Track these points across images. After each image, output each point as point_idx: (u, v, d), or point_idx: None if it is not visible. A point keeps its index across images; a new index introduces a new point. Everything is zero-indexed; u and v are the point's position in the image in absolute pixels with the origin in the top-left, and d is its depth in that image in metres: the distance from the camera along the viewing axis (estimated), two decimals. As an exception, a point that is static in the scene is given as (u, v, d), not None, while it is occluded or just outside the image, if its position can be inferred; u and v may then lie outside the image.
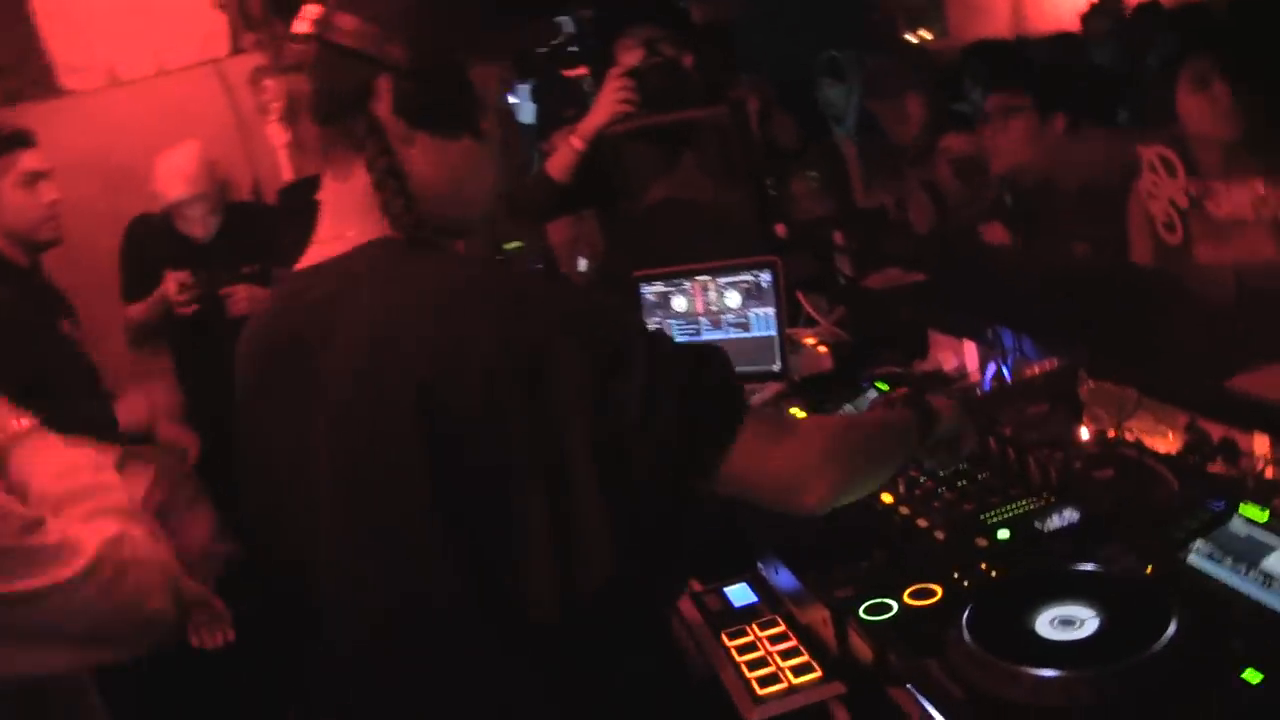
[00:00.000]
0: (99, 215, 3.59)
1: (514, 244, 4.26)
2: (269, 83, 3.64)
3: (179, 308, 3.36)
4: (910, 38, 6.67)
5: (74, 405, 2.73)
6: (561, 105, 4.01)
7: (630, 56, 2.99)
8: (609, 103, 2.85)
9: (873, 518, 1.69)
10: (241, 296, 3.39)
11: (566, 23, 3.93)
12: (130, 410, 2.93)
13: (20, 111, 3.53)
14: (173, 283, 3.36)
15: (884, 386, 2.22)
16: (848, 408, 2.21)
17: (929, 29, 6.98)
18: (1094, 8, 4.44)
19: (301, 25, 1.22)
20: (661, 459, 1.12)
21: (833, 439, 1.27)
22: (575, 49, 3.84)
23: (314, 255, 1.26)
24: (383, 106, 1.19)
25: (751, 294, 2.50)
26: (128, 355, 3.58)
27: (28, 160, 2.75)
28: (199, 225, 3.44)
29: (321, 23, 1.20)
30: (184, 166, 3.34)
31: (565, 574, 1.12)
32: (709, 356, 1.21)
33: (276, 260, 3.28)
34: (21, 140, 2.77)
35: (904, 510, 1.68)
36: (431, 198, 1.23)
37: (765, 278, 2.47)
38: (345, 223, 1.24)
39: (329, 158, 1.25)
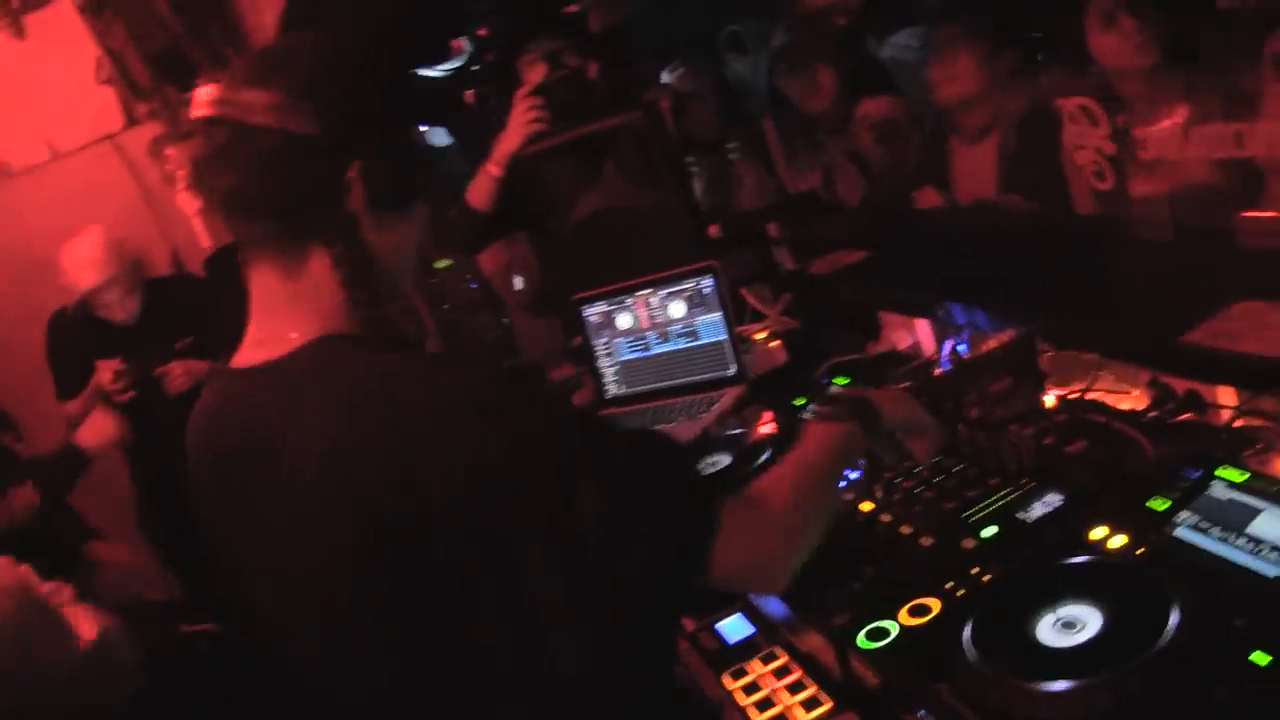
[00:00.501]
0: (12, 312, 3.49)
1: (443, 262, 4.20)
2: (170, 151, 3.53)
3: (115, 396, 3.28)
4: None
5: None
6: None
7: (534, 73, 2.93)
8: (520, 124, 2.80)
9: (856, 530, 1.66)
10: (178, 373, 3.32)
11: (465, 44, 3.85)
12: (96, 431, 2.92)
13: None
14: (106, 372, 3.28)
15: (844, 381, 2.19)
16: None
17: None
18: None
19: (201, 109, 1.14)
20: (645, 573, 1.10)
21: (793, 510, 1.24)
22: (476, 68, 3.76)
23: (252, 356, 1.20)
24: (356, 199, 1.15)
25: (695, 301, 2.46)
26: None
27: None
28: (119, 309, 3.36)
29: (228, 103, 1.13)
30: (90, 253, 3.25)
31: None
32: (670, 465, 1.17)
33: (211, 333, 3.21)
34: None
35: (886, 518, 1.65)
36: (389, 280, 1.21)
37: (706, 283, 2.44)
38: (287, 321, 1.18)
39: (272, 253, 1.18)
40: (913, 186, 3.13)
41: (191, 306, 3.43)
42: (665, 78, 3.87)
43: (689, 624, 1.74)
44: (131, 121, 3.74)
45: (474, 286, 4.10)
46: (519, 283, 3.60)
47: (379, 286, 1.18)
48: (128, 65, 3.62)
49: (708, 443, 2.10)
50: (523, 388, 1.16)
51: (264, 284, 1.20)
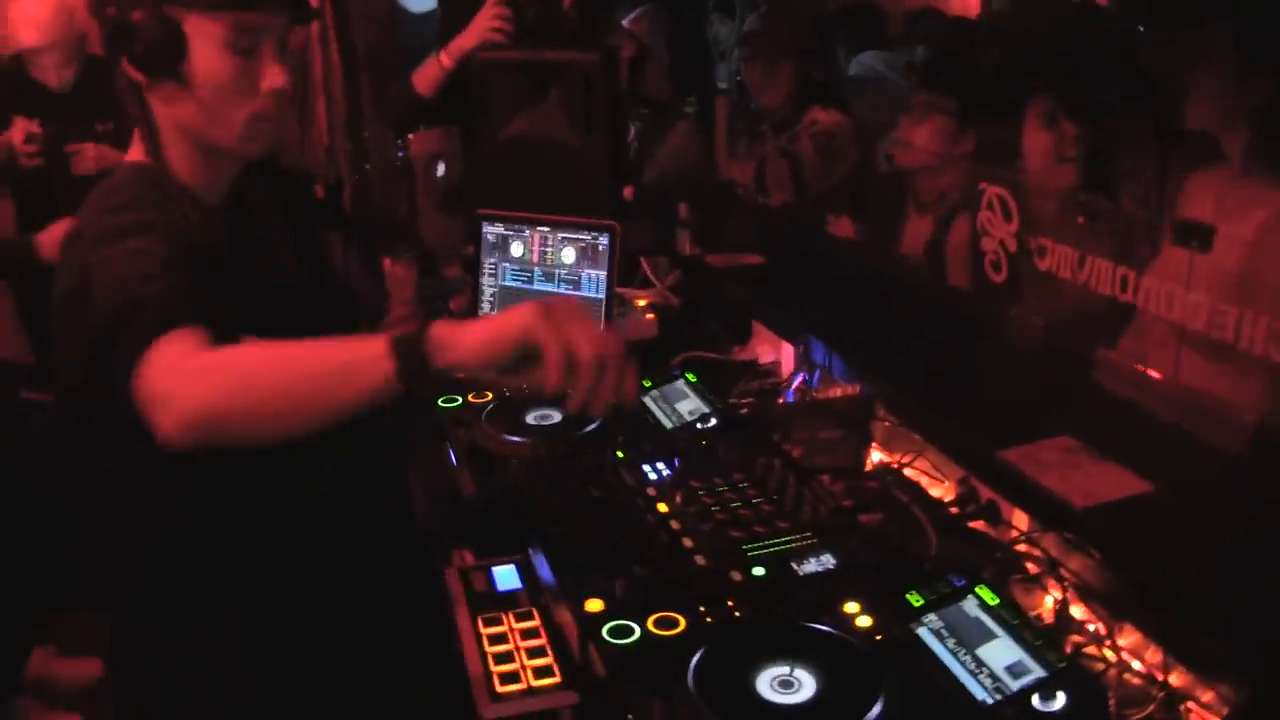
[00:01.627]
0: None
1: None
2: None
3: (24, 159, 3.18)
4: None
5: None
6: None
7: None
8: (481, 28, 2.78)
9: (644, 527, 1.71)
10: (89, 155, 3.23)
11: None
12: None
13: None
14: (20, 131, 3.18)
15: (693, 378, 2.23)
16: (654, 393, 2.22)
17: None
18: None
19: None
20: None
21: (234, 363, 1.30)
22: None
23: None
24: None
25: (587, 254, 2.47)
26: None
27: None
28: (52, 74, 3.25)
29: None
30: (39, 12, 3.12)
31: None
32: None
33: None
34: None
35: (675, 525, 1.70)
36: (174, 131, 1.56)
37: (603, 241, 2.45)
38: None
39: None
40: (831, 209, 3.18)
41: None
42: (624, 21, 3.83)
43: (469, 557, 1.78)
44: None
45: (399, 155, 4.05)
46: (440, 169, 3.58)
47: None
48: None
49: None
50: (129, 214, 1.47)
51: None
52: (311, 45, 3.86)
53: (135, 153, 1.57)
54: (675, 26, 3.89)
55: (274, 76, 1.53)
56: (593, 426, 1.97)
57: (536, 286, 2.54)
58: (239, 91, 1.51)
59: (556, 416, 2.06)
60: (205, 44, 1.47)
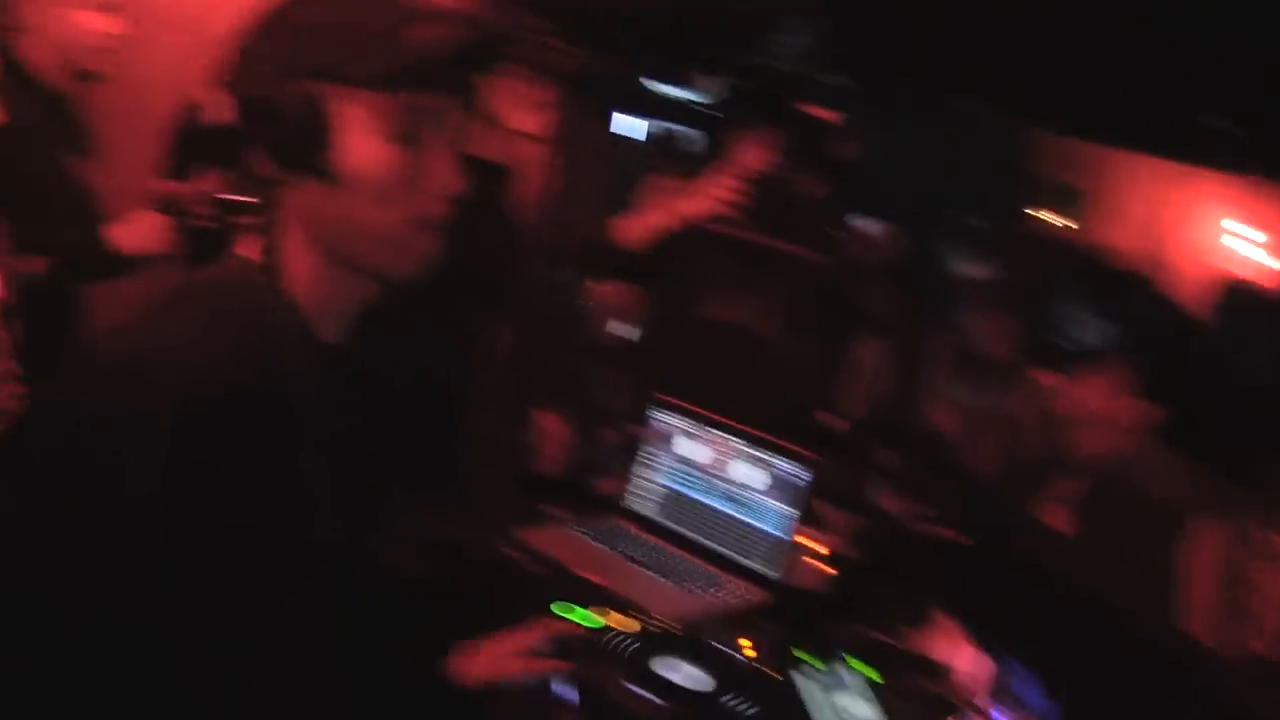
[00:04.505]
0: (172, 76, 3.31)
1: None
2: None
3: (200, 217, 3.07)
4: (1041, 214, 6.34)
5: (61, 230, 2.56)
6: (669, 157, 3.69)
7: (753, 157, 2.68)
8: (712, 197, 2.54)
9: None
10: None
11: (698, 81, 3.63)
12: (137, 232, 2.69)
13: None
14: (209, 180, 3.07)
15: (860, 666, 1.85)
16: (813, 675, 1.84)
17: (1062, 212, 6.64)
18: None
19: None
20: None
21: None
22: (717, 115, 3.52)
23: None
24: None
25: (774, 483, 2.15)
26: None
27: None
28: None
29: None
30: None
31: None
32: None
33: None
34: None
35: None
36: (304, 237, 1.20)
37: (799, 475, 2.12)
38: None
39: None
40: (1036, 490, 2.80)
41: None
42: (865, 226, 3.58)
43: None
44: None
45: (576, 301, 3.82)
46: (619, 329, 3.32)
47: None
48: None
49: (691, 640, 1.77)
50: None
51: None
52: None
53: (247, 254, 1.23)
54: (914, 248, 3.64)
55: (444, 175, 1.18)
56: (751, 711, 1.61)
57: (701, 497, 2.23)
58: (395, 190, 1.17)
59: (703, 681, 1.69)
60: (358, 129, 1.14)
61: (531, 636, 1.52)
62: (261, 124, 1.12)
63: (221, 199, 2.91)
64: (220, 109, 3.12)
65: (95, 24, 2.60)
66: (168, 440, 1.01)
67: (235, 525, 1.05)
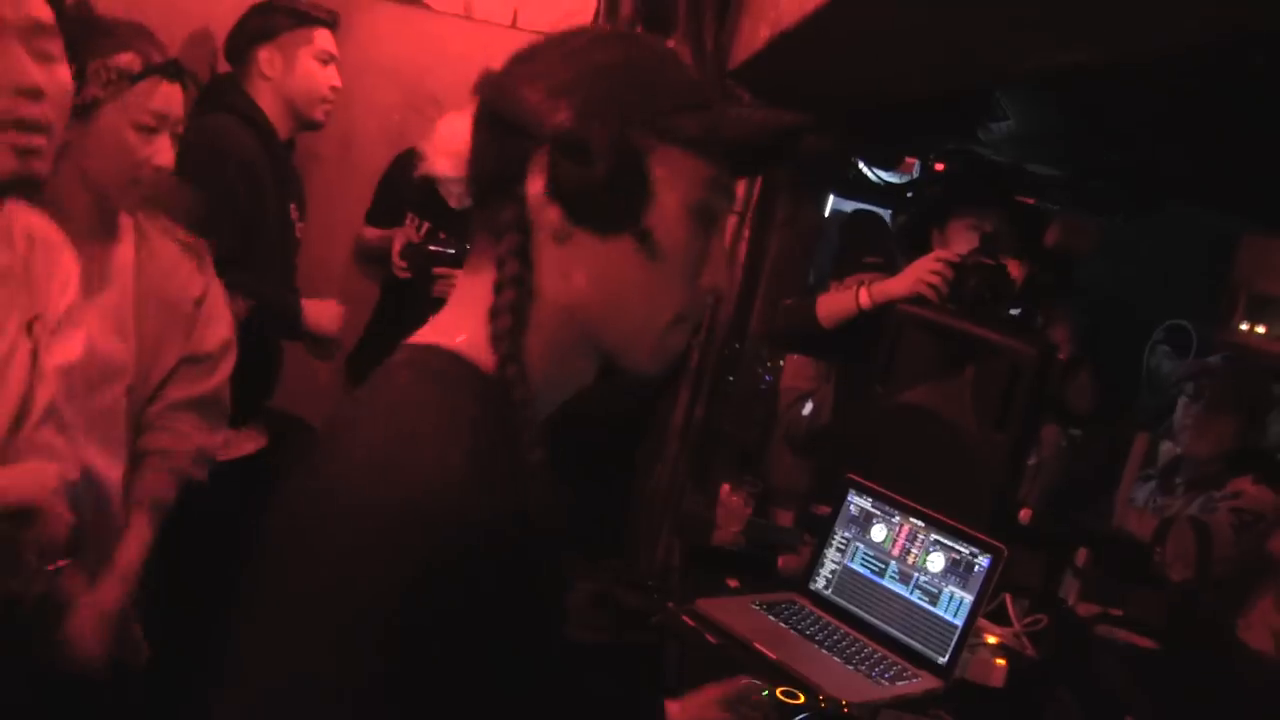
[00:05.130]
0: (381, 124, 3.52)
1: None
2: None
3: (397, 269, 3.21)
4: (1245, 327, 6.01)
5: (266, 283, 2.67)
6: (863, 239, 3.70)
7: (961, 241, 2.67)
8: (916, 278, 2.54)
9: None
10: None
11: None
12: (325, 315, 2.83)
13: (370, 4, 3.49)
14: (412, 229, 3.22)
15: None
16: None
17: (1267, 324, 6.27)
18: None
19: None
20: None
21: None
22: (910, 194, 3.51)
23: (421, 335, 1.03)
24: (535, 185, 0.97)
25: (957, 570, 2.11)
26: (341, 266, 3.51)
27: (330, 41, 2.81)
28: (454, 199, 3.30)
29: (485, 82, 1.04)
30: (457, 145, 3.20)
31: None
32: None
33: None
34: (327, 20, 2.83)
35: None
36: (562, 314, 0.99)
37: (983, 562, 2.08)
38: (457, 324, 1.01)
39: (474, 242, 1.06)
40: (1241, 605, 2.65)
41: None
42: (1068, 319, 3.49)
43: None
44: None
45: (767, 377, 3.83)
46: (808, 408, 3.32)
47: (523, 322, 0.97)
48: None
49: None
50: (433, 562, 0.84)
51: (473, 269, 1.06)
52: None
53: (457, 331, 1.01)
54: (1117, 345, 3.52)
55: (718, 270, 1.04)
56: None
57: (885, 583, 2.20)
58: (685, 272, 1.00)
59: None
60: (670, 196, 0.97)
61: (708, 702, 1.52)
62: (569, 167, 0.95)
63: (425, 249, 3.07)
64: (436, 162, 3.29)
65: (321, 76, 2.79)
66: (425, 572, 0.83)
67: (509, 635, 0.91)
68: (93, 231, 1.84)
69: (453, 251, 3.08)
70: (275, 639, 0.84)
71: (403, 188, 3.32)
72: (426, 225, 3.17)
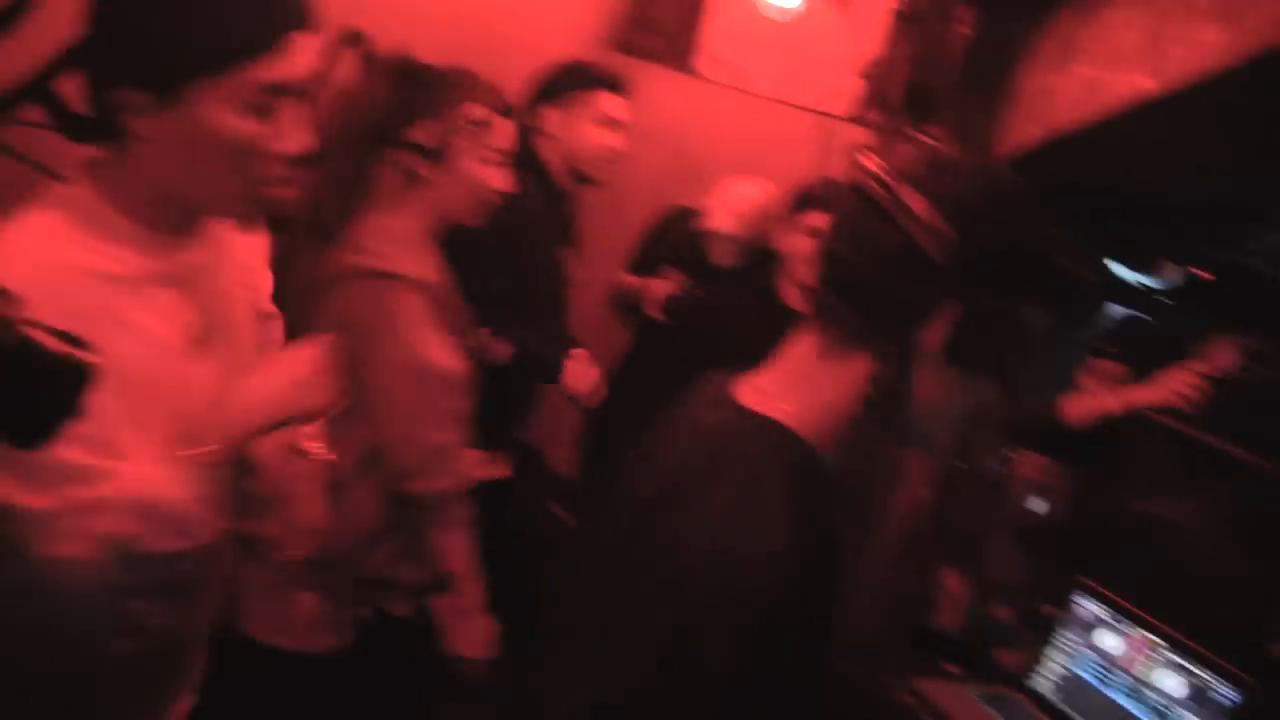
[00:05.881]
0: (647, 182, 3.68)
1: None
2: (867, 160, 3.50)
3: (654, 304, 3.34)
4: None
5: (533, 332, 2.80)
6: (1123, 342, 3.60)
7: (1224, 356, 2.59)
8: (1172, 391, 2.49)
9: None
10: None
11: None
12: (582, 379, 2.92)
13: (642, 68, 3.66)
14: (670, 281, 3.35)
15: None
16: None
17: None
18: None
19: (868, 165, 1.12)
20: None
21: None
22: (1184, 305, 3.41)
23: (747, 396, 1.16)
24: (934, 338, 1.09)
25: (1197, 698, 2.05)
26: (597, 308, 3.65)
27: (613, 106, 2.88)
28: (721, 256, 3.40)
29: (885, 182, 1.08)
30: (739, 204, 3.28)
31: None
32: None
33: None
34: (616, 85, 2.91)
35: None
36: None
37: (1226, 694, 2.01)
38: (790, 391, 1.13)
39: (832, 328, 1.13)
40: None
41: (769, 293, 3.41)
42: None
43: None
44: (854, 118, 3.78)
45: (997, 467, 3.77)
46: (1039, 505, 3.26)
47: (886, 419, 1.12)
48: (895, 68, 3.63)
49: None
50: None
51: (805, 346, 1.15)
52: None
53: (784, 401, 1.14)
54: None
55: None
56: None
57: (1110, 692, 2.16)
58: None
59: None
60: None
61: None
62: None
63: (686, 301, 3.20)
64: (718, 219, 3.41)
65: (603, 139, 2.92)
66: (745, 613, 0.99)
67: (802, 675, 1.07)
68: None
69: (707, 305, 3.22)
70: (625, 651, 1.02)
71: (663, 241, 3.46)
72: (685, 278, 3.30)
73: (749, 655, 0.98)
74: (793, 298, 2.96)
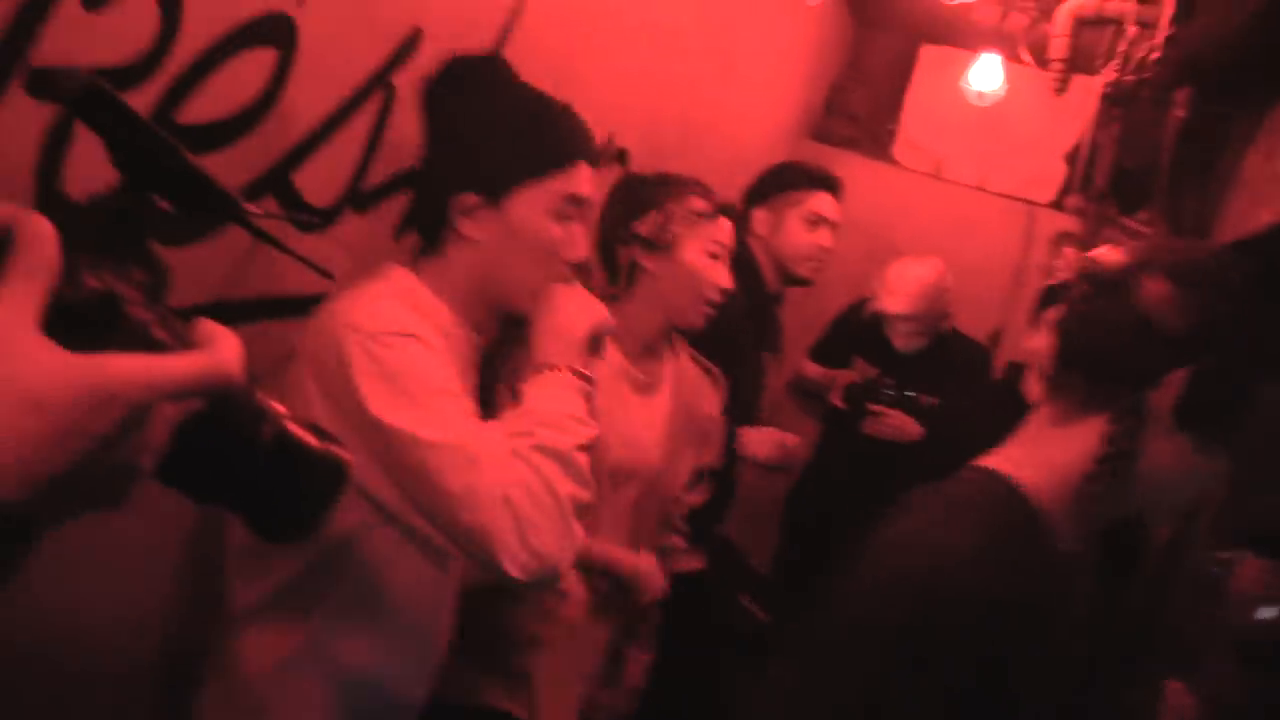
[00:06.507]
0: (842, 270, 3.65)
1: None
2: (1069, 251, 3.41)
3: (835, 395, 3.31)
4: None
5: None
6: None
7: None
8: None
9: None
10: (890, 422, 3.23)
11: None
12: (763, 444, 2.91)
13: (843, 158, 3.67)
14: (856, 375, 3.32)
15: None
16: None
17: None
18: None
19: (1095, 265, 1.18)
20: None
21: None
22: None
23: (993, 461, 1.21)
24: (1163, 402, 1.11)
25: None
26: (780, 398, 3.64)
27: (823, 205, 2.83)
28: (902, 339, 3.35)
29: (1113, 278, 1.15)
30: (913, 285, 3.23)
31: None
32: None
33: (938, 406, 3.15)
34: (829, 185, 2.85)
35: None
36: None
37: None
38: (1029, 456, 1.18)
39: (1064, 399, 1.18)
40: None
41: (960, 372, 3.33)
42: None
43: None
44: (1056, 204, 3.69)
45: (1214, 570, 3.54)
46: (1269, 613, 3.03)
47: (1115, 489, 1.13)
48: (1101, 153, 3.53)
49: None
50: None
51: (1039, 418, 1.21)
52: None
53: (1021, 467, 1.19)
54: None
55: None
56: None
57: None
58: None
59: None
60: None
61: None
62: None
63: (873, 390, 3.17)
64: (889, 301, 3.36)
65: (813, 238, 2.87)
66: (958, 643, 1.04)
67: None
68: (651, 348, 2.08)
69: (893, 394, 3.18)
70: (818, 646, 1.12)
71: (851, 331, 3.44)
72: (874, 371, 3.28)
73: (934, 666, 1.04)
74: (1035, 392, 2.87)
